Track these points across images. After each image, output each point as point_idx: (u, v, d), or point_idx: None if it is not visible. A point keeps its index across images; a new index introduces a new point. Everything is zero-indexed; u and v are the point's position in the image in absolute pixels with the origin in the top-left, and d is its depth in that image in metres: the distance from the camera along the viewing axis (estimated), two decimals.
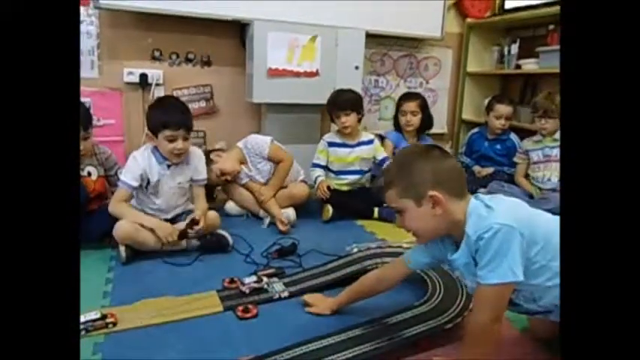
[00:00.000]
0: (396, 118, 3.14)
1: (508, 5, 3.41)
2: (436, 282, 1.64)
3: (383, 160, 2.76)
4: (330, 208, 2.53)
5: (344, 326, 1.40)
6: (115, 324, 1.41)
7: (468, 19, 3.55)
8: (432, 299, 1.54)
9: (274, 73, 2.78)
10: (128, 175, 1.97)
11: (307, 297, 1.59)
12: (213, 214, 2.12)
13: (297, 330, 1.42)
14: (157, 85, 2.79)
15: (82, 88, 2.54)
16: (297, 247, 2.08)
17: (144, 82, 2.75)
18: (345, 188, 2.73)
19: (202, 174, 2.15)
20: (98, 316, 1.40)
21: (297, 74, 2.84)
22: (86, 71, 2.64)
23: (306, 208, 2.61)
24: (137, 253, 1.92)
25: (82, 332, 1.35)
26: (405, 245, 2.02)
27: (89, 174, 2.11)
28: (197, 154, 2.14)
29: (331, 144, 2.73)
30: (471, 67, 3.61)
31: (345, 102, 2.65)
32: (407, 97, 3.09)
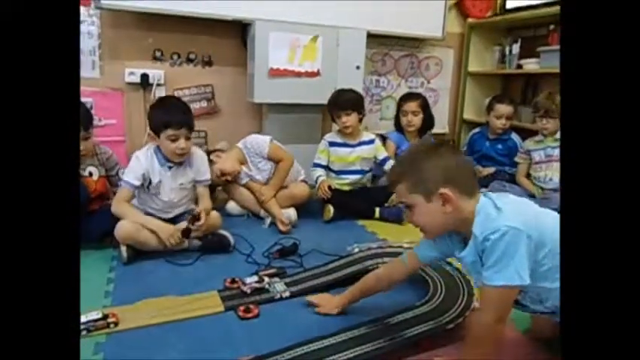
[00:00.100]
0: (397, 119, 3.14)
1: (509, 5, 3.40)
2: (437, 282, 1.64)
3: (384, 160, 2.76)
4: (331, 208, 2.53)
5: (345, 326, 1.40)
6: (116, 324, 1.41)
7: (469, 19, 3.55)
8: (433, 299, 1.54)
9: (275, 73, 2.78)
10: (130, 175, 1.98)
11: (314, 297, 1.59)
12: (214, 214, 2.12)
13: (299, 330, 1.41)
14: (158, 85, 2.79)
15: (84, 88, 2.54)
16: (299, 247, 2.08)
17: (145, 82, 2.75)
18: (346, 188, 2.73)
19: (205, 175, 2.16)
20: (100, 316, 1.40)
21: (299, 74, 2.84)
22: (87, 71, 2.64)
23: (307, 208, 2.61)
24: (138, 253, 1.93)
25: (84, 332, 1.36)
26: (405, 245, 2.02)
27: (90, 174, 2.11)
28: (199, 156, 2.15)
29: (332, 144, 2.73)
30: (472, 67, 3.61)
31: (346, 102, 2.65)
32: (408, 97, 3.09)
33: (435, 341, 1.36)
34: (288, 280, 1.76)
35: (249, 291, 1.64)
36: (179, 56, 2.86)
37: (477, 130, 3.36)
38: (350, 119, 2.64)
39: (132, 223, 1.91)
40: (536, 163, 2.81)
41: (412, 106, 3.01)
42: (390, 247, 2.03)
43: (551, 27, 3.12)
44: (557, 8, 2.87)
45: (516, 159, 2.93)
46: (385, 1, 3.04)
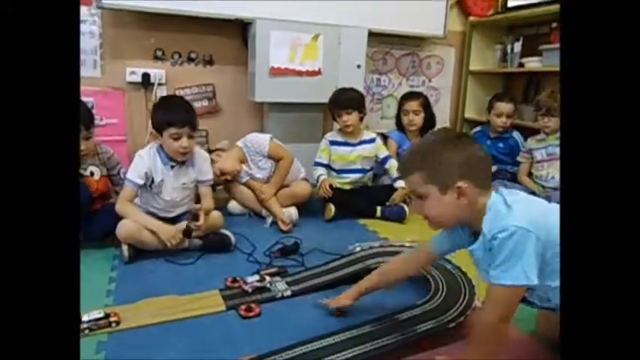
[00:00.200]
0: (398, 118, 3.14)
1: (511, 3, 3.39)
2: (439, 281, 1.64)
3: (385, 159, 2.76)
4: (332, 207, 2.53)
5: (346, 325, 1.40)
6: (118, 323, 1.41)
7: (471, 18, 3.54)
8: (434, 298, 1.54)
9: (276, 72, 2.78)
10: (134, 174, 1.99)
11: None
12: (216, 214, 2.13)
13: (300, 329, 1.42)
14: (160, 84, 2.79)
15: (85, 87, 2.55)
16: (300, 246, 2.08)
17: (146, 81, 2.75)
18: (347, 187, 2.73)
19: (208, 175, 2.16)
20: (102, 315, 1.41)
21: (300, 73, 2.84)
22: (89, 71, 2.64)
23: (309, 207, 2.61)
24: (140, 252, 1.93)
25: (86, 331, 1.36)
26: (407, 244, 2.02)
27: (92, 174, 2.12)
28: (202, 155, 2.15)
29: (333, 142, 2.74)
30: (474, 66, 3.60)
31: (347, 101, 2.65)
32: (409, 96, 3.08)
33: (436, 340, 1.36)
34: (289, 279, 1.76)
35: (250, 290, 1.64)
36: (180, 55, 2.86)
37: (478, 128, 3.35)
38: (351, 118, 2.64)
39: (133, 222, 1.91)
40: (538, 161, 2.81)
41: (413, 105, 3.01)
42: (392, 245, 2.03)
43: (553, 25, 3.10)
44: (558, 6, 2.86)
45: (519, 158, 2.93)
46: (386, 0, 3.03)
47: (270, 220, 2.46)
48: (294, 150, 2.62)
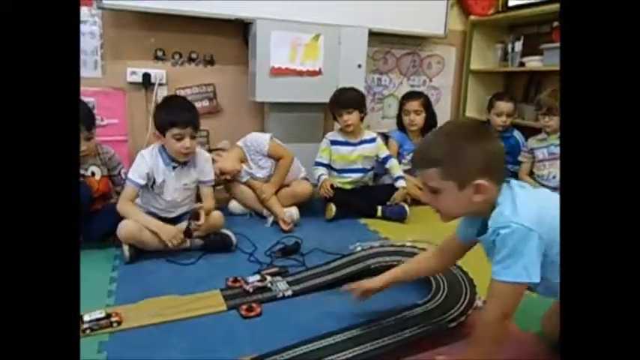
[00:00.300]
0: (399, 117, 3.14)
1: (511, 2, 3.39)
2: (440, 280, 1.64)
3: (386, 159, 2.76)
4: (333, 207, 2.53)
5: (347, 325, 1.40)
6: (119, 323, 1.41)
7: (472, 17, 3.54)
8: (435, 298, 1.54)
9: (277, 72, 2.78)
10: (135, 174, 1.99)
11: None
12: (217, 214, 2.13)
13: (301, 329, 1.42)
14: (160, 84, 2.80)
15: (86, 88, 2.55)
16: (301, 246, 2.08)
17: (147, 81, 2.76)
18: (348, 187, 2.73)
19: (209, 175, 2.16)
20: (103, 315, 1.41)
21: (300, 73, 2.84)
22: (89, 71, 2.65)
23: (310, 207, 2.61)
24: (141, 253, 1.94)
25: (88, 331, 1.37)
26: (408, 244, 2.02)
27: (93, 174, 2.12)
28: (204, 156, 2.15)
29: (334, 142, 2.74)
30: (475, 65, 3.60)
31: (348, 100, 2.65)
32: (410, 96, 3.08)
33: (437, 340, 1.36)
34: (290, 278, 1.76)
35: (251, 290, 1.64)
36: (181, 56, 2.86)
37: None
38: (351, 118, 2.64)
39: (134, 222, 1.92)
40: (540, 161, 2.81)
41: (414, 104, 3.01)
42: (393, 245, 2.03)
43: (554, 24, 3.10)
44: (559, 5, 2.85)
45: (520, 158, 2.93)
46: (387, 0, 3.03)
47: (271, 219, 2.46)
48: (295, 150, 2.62)
